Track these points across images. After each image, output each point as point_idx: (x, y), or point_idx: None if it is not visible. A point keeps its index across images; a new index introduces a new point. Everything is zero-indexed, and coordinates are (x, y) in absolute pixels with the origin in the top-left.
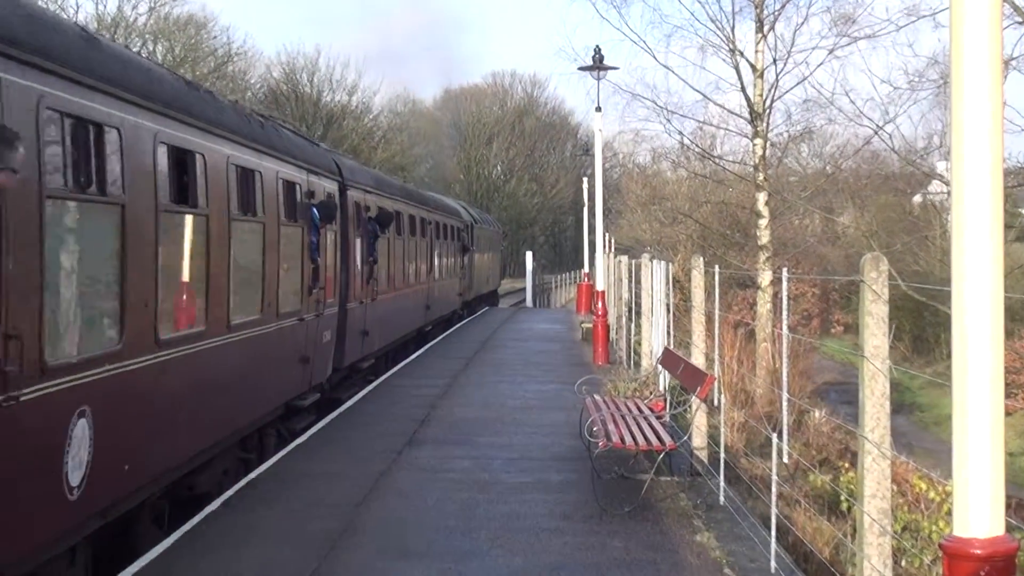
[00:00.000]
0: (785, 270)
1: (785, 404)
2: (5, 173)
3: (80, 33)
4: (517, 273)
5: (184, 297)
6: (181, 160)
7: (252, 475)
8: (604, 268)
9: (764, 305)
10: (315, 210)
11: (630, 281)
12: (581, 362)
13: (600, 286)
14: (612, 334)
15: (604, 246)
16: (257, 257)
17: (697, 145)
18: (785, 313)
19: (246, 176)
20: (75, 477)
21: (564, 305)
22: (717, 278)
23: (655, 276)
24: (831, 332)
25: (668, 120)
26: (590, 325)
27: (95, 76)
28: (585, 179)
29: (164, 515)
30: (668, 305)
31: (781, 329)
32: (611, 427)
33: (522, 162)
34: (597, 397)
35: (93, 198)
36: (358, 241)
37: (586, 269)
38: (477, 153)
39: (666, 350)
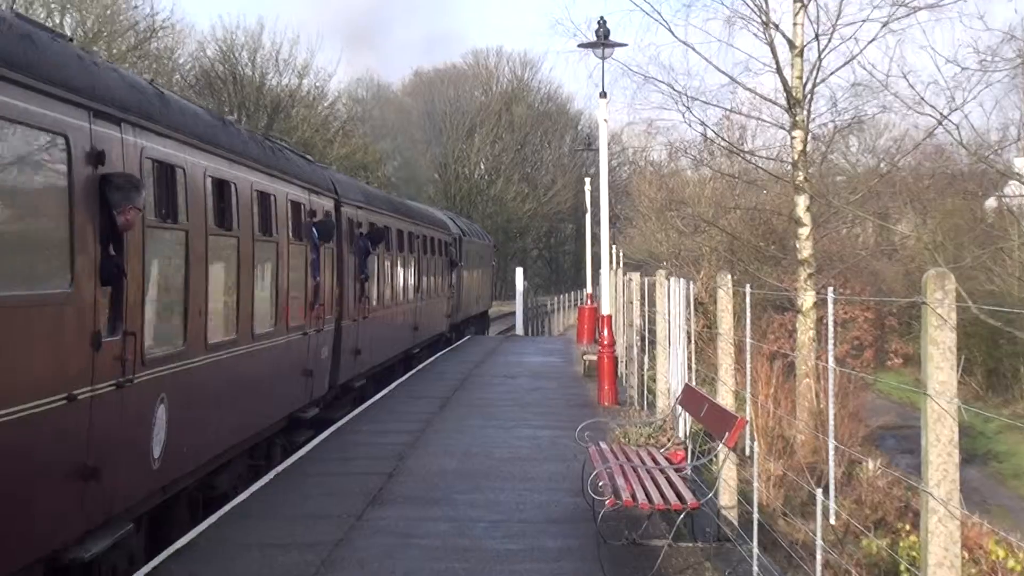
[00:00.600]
0: (831, 290)
1: (832, 453)
2: (133, 211)
3: (155, 91)
4: (507, 294)
5: (222, 308)
6: (220, 189)
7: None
8: (611, 288)
9: (806, 332)
10: (315, 229)
11: (643, 304)
12: (583, 403)
13: (606, 310)
14: (621, 368)
15: (611, 261)
16: (272, 273)
17: (723, 138)
18: (831, 342)
19: (264, 200)
20: (156, 451)
21: (563, 333)
22: (749, 299)
23: (673, 297)
24: (887, 365)
25: (688, 108)
26: (594, 357)
27: (169, 126)
28: (587, 180)
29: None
30: (689, 333)
31: (826, 361)
32: (620, 481)
33: (510, 159)
34: (603, 445)
35: (171, 226)
36: (351, 258)
37: (589, 289)
38: (455, 148)
39: (687, 388)
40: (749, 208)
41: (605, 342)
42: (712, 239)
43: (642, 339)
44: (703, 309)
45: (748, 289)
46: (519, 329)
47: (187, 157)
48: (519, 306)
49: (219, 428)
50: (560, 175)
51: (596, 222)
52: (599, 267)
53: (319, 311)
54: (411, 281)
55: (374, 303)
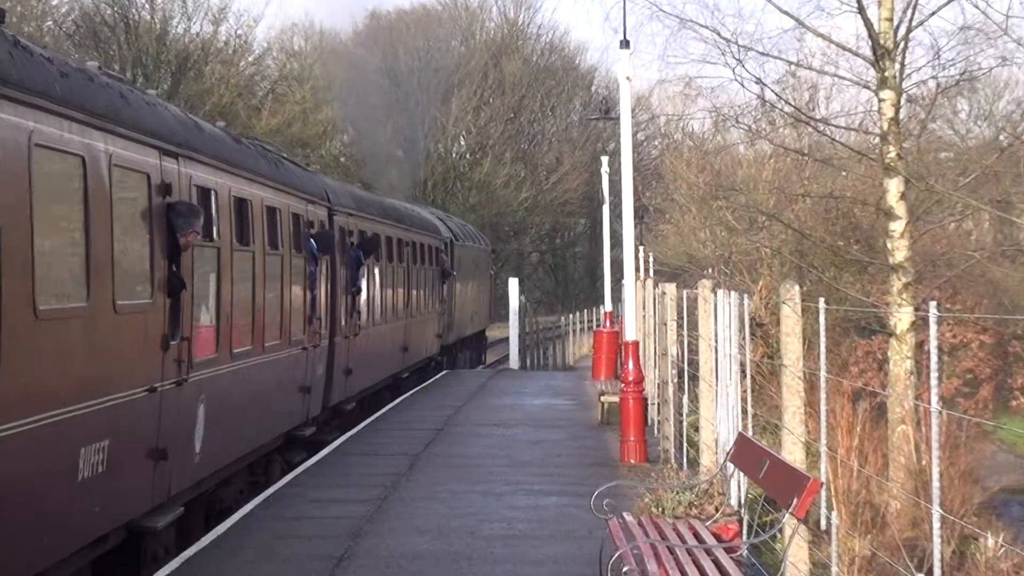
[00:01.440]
0: (934, 305)
1: (937, 526)
2: (193, 234)
3: (193, 123)
4: (498, 313)
5: (242, 320)
6: (240, 208)
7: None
8: (637, 305)
9: (901, 363)
10: (313, 240)
11: (680, 326)
12: (600, 460)
13: (631, 334)
14: (651, 414)
15: (637, 269)
16: (277, 286)
17: (788, 101)
18: (935, 375)
19: (271, 214)
20: (197, 446)
21: (573, 365)
22: (823, 318)
23: (722, 317)
24: (1011, 406)
25: (739, 61)
26: (615, 399)
27: (205, 154)
28: (604, 159)
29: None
30: (744, 365)
31: (929, 402)
32: (652, 567)
33: (500, 132)
34: (628, 517)
35: (207, 244)
36: (343, 270)
37: (608, 307)
38: (426, 117)
39: (740, 439)
40: (822, 196)
41: (630, 378)
42: (773, 238)
43: (680, 374)
44: (762, 332)
45: (822, 304)
46: (514, 361)
47: (218, 180)
48: (513, 330)
49: (237, 435)
50: (568, 153)
51: (617, 216)
52: (621, 277)
53: (316, 326)
54: (400, 295)
55: (364, 319)
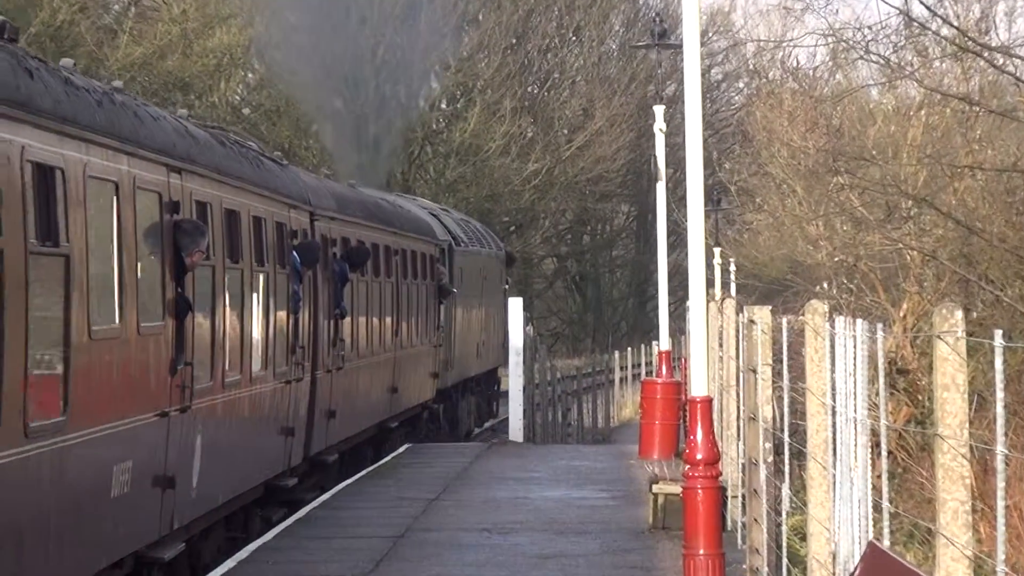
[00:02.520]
0: None
1: None
2: (199, 254)
3: (185, 130)
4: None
5: (232, 345)
6: (229, 220)
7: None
8: (711, 341)
9: None
10: (296, 253)
11: (779, 374)
12: None
13: (701, 387)
14: (732, 512)
15: (712, 283)
16: (263, 307)
17: (947, 20)
18: None
19: (258, 226)
20: (195, 480)
21: (609, 435)
22: (1000, 360)
23: (843, 360)
24: None
25: None
26: (675, 489)
27: (201, 165)
28: (659, 112)
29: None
30: (878, 434)
31: None
32: None
33: (496, 67)
34: None
35: (204, 263)
36: (325, 288)
37: (664, 343)
38: (380, 43)
39: (872, 551)
40: (1003, 169)
41: (699, 457)
42: (924, 234)
43: (778, 449)
44: (906, 383)
45: (998, 340)
46: (516, 429)
47: (211, 192)
48: (515, 380)
49: (226, 475)
50: (601, 101)
51: (680, 199)
52: (685, 297)
53: (299, 356)
54: (388, 321)
55: (349, 349)
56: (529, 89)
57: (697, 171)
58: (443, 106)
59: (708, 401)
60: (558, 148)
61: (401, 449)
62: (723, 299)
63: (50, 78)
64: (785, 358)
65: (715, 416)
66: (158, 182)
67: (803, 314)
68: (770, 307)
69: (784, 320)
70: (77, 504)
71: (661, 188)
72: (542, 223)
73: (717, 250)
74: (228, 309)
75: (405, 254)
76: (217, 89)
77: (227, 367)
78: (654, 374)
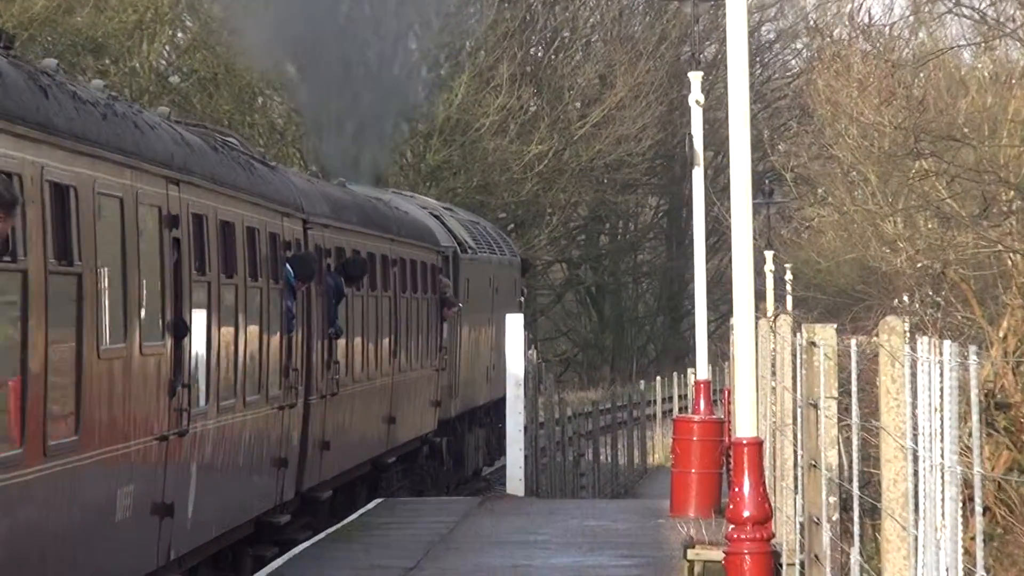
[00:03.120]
0: None
1: None
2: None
3: (181, 138)
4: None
5: (227, 367)
6: (224, 231)
7: None
8: (761, 368)
9: None
10: (290, 266)
11: (847, 410)
12: None
13: (747, 427)
14: None
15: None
16: (258, 325)
17: None
18: None
19: (252, 237)
20: (190, 509)
21: (633, 486)
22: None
23: (927, 393)
24: None
25: None
26: (717, 556)
27: (197, 175)
28: (695, 80)
29: None
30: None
31: None
32: None
33: (490, 23)
34: None
35: (199, 278)
36: (318, 305)
37: (702, 372)
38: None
39: None
40: None
41: (746, 514)
42: None
43: (845, 504)
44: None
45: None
46: (515, 480)
47: (208, 203)
48: (514, 418)
49: (220, 505)
50: (623, 67)
51: (721, 190)
52: (729, 312)
53: (293, 379)
54: (385, 341)
55: (343, 373)
56: (532, 51)
57: (744, 154)
58: (423, 73)
59: (757, 444)
60: (568, 126)
61: (371, 505)
62: (776, 315)
63: (61, 95)
64: (855, 389)
65: (766, 463)
66: (158, 195)
67: (877, 334)
68: (835, 325)
69: (853, 341)
70: (88, 526)
71: (698, 176)
72: (548, 220)
73: (769, 254)
74: (222, 328)
75: (404, 264)
76: (138, 52)
77: (222, 390)
78: (689, 410)
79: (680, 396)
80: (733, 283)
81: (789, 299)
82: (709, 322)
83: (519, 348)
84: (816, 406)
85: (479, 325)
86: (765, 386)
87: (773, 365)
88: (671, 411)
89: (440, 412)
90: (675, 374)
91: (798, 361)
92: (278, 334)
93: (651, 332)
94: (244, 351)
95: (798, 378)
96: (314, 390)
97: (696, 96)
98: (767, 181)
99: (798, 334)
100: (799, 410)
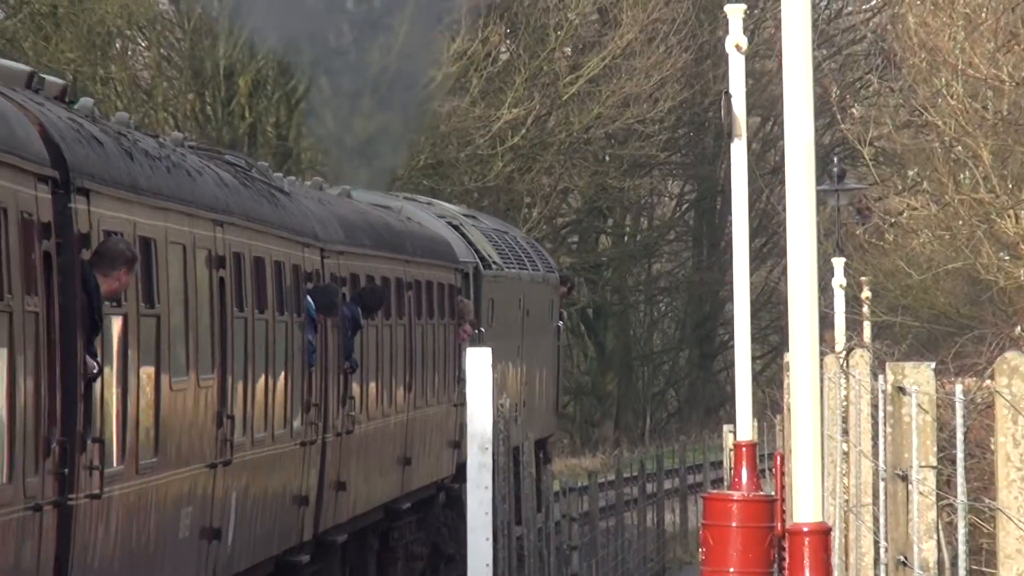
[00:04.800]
0: None
1: None
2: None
3: (220, 180)
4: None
5: (259, 400)
6: (256, 268)
7: None
8: (827, 422)
9: None
10: (310, 298)
11: (945, 482)
12: None
13: (807, 509)
14: None
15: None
16: (284, 359)
17: None
18: None
19: (277, 270)
20: (230, 536)
21: None
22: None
23: None
24: None
25: None
26: None
27: (239, 215)
28: (731, 14)
29: None
30: None
31: None
32: None
33: None
34: None
35: (239, 315)
36: (334, 337)
37: (745, 431)
38: None
39: None
40: None
41: None
42: None
43: None
44: None
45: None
46: None
47: (244, 241)
48: (476, 494)
49: (251, 538)
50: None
51: (771, 171)
52: (782, 345)
53: (313, 415)
54: (400, 373)
55: (358, 409)
56: None
57: (803, 122)
58: (347, 5)
59: (823, 532)
60: (555, 81)
61: None
62: (850, 349)
63: (138, 154)
64: (961, 455)
65: (834, 559)
66: (207, 238)
67: (991, 376)
68: (933, 364)
69: (959, 387)
70: (162, 540)
71: (739, 151)
72: (527, 214)
73: (839, 262)
74: (256, 362)
75: (419, 287)
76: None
77: (256, 424)
78: (726, 484)
79: (713, 464)
80: (788, 304)
81: (867, 326)
82: (754, 359)
83: (484, 394)
84: (906, 478)
85: (506, 354)
86: (834, 450)
87: (845, 420)
88: (700, 485)
89: (459, 454)
90: (705, 433)
91: (881, 415)
92: (300, 368)
93: (672, 373)
94: (273, 385)
95: (881, 438)
96: (330, 427)
97: (736, 39)
98: (836, 160)
99: (880, 376)
100: (882, 484)
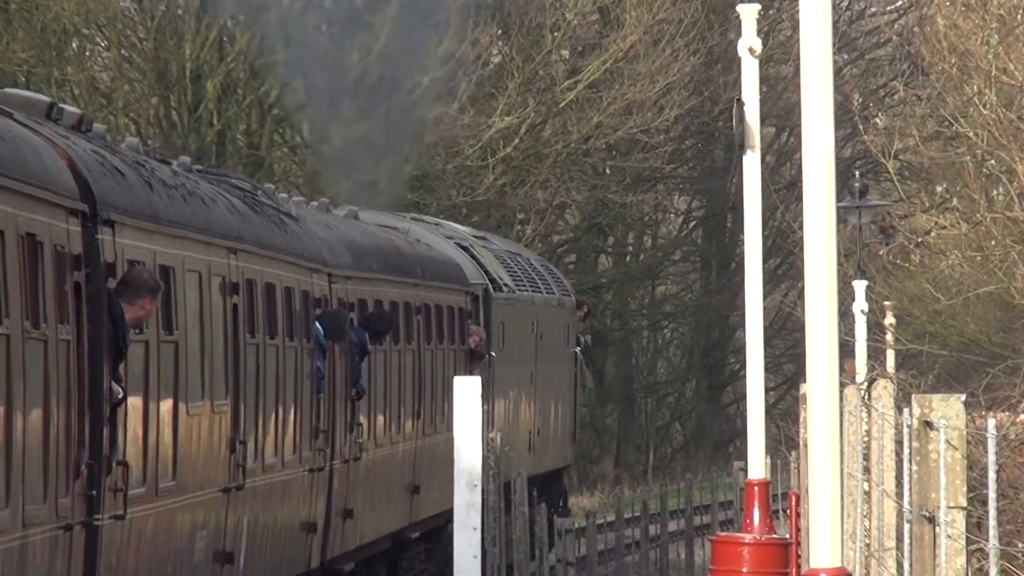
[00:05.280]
0: None
1: None
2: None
3: (231, 206)
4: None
5: (271, 425)
6: (268, 294)
7: None
8: (843, 458)
9: None
10: (319, 324)
11: (975, 526)
12: None
13: (825, 553)
14: None
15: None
16: (292, 386)
17: None
18: None
19: (288, 297)
20: (242, 562)
21: None
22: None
23: None
24: None
25: None
26: None
27: (252, 243)
28: (744, 15)
29: None
30: None
31: None
32: None
33: None
34: None
35: (250, 340)
36: (341, 362)
37: (757, 468)
38: None
39: None
40: None
41: None
42: None
43: None
44: None
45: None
46: None
47: (256, 267)
48: (464, 536)
49: (260, 565)
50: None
51: (787, 185)
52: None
53: (321, 442)
54: (408, 400)
55: (366, 436)
56: None
57: (823, 133)
58: (326, 3)
59: None
60: (551, 86)
61: None
62: (872, 380)
63: (158, 185)
64: (992, 494)
65: None
66: (222, 265)
67: None
68: (963, 396)
69: (991, 422)
70: (178, 562)
71: (752, 164)
72: (520, 231)
73: (860, 286)
74: (267, 388)
75: (428, 311)
76: None
77: (267, 449)
78: (737, 526)
79: (722, 504)
80: (805, 330)
81: (891, 355)
82: (768, 391)
83: (473, 427)
84: (933, 520)
85: (518, 380)
86: (854, 489)
87: (866, 457)
88: (708, 527)
89: None
90: (714, 470)
91: (906, 451)
92: (309, 394)
93: (677, 405)
94: (283, 411)
95: (906, 477)
96: (338, 454)
97: (749, 41)
98: (858, 174)
99: (905, 409)
100: (907, 526)
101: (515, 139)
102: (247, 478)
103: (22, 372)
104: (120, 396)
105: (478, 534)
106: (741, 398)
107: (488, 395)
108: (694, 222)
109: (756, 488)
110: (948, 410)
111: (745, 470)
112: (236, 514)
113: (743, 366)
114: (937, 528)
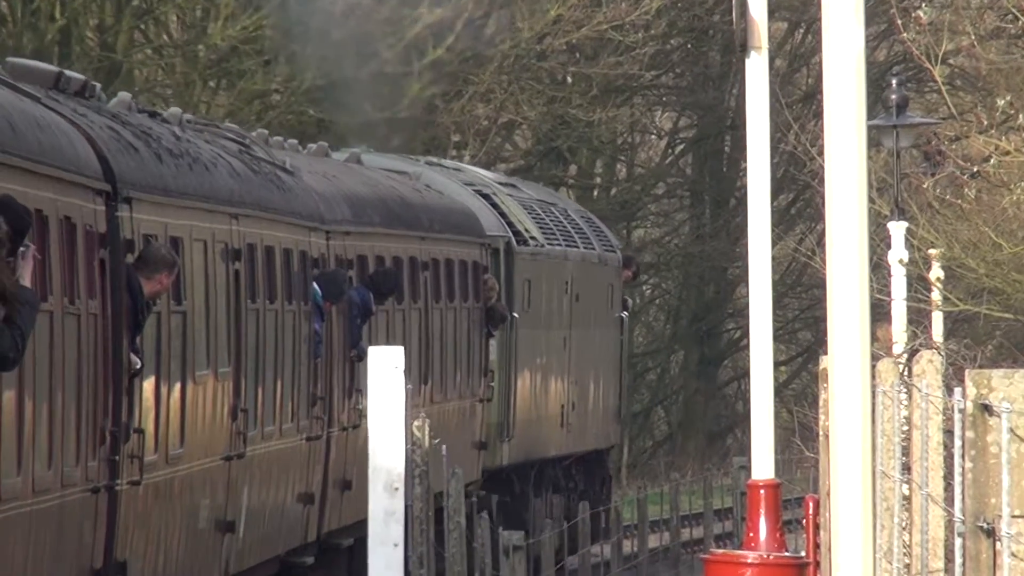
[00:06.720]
0: None
1: None
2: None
3: (238, 168)
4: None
5: (270, 392)
6: (268, 257)
7: None
8: (874, 451)
9: None
10: (317, 284)
11: None
12: None
13: (852, 573)
14: None
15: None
16: (291, 349)
17: None
18: None
19: (287, 258)
20: (241, 529)
21: None
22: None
23: None
24: None
25: None
26: None
27: (252, 206)
28: None
29: None
30: None
31: None
32: None
33: None
34: None
35: (253, 305)
36: (339, 324)
37: (761, 467)
38: None
39: None
40: None
41: None
42: None
43: None
44: None
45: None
46: None
47: (256, 231)
48: (385, 555)
49: (260, 533)
50: None
51: (803, 98)
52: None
53: (319, 408)
54: (416, 364)
55: (365, 403)
56: None
57: (847, 27)
58: None
59: None
60: None
61: None
62: (914, 351)
63: (167, 156)
64: None
65: None
66: (224, 231)
67: None
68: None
69: None
70: (186, 528)
71: (757, 70)
72: (456, 157)
73: (898, 228)
74: (266, 354)
75: (437, 266)
76: None
77: (265, 417)
78: (737, 540)
79: (718, 513)
80: (827, 287)
81: (938, 319)
82: (777, 365)
83: (395, 414)
84: (992, 532)
85: (547, 346)
86: (890, 493)
87: (906, 452)
88: (700, 543)
89: (486, 457)
90: (707, 468)
91: (957, 443)
92: (307, 360)
93: (660, 384)
94: (282, 378)
95: (957, 477)
96: (335, 422)
97: None
98: (895, 83)
99: (957, 390)
100: (958, 540)
101: (448, 37)
102: (247, 446)
103: (63, 345)
104: (138, 366)
105: (399, 552)
106: (743, 375)
107: (509, 361)
108: (682, 146)
109: (762, 492)
110: (1012, 390)
111: (748, 468)
112: (237, 483)
113: (746, 333)
114: (998, 543)
